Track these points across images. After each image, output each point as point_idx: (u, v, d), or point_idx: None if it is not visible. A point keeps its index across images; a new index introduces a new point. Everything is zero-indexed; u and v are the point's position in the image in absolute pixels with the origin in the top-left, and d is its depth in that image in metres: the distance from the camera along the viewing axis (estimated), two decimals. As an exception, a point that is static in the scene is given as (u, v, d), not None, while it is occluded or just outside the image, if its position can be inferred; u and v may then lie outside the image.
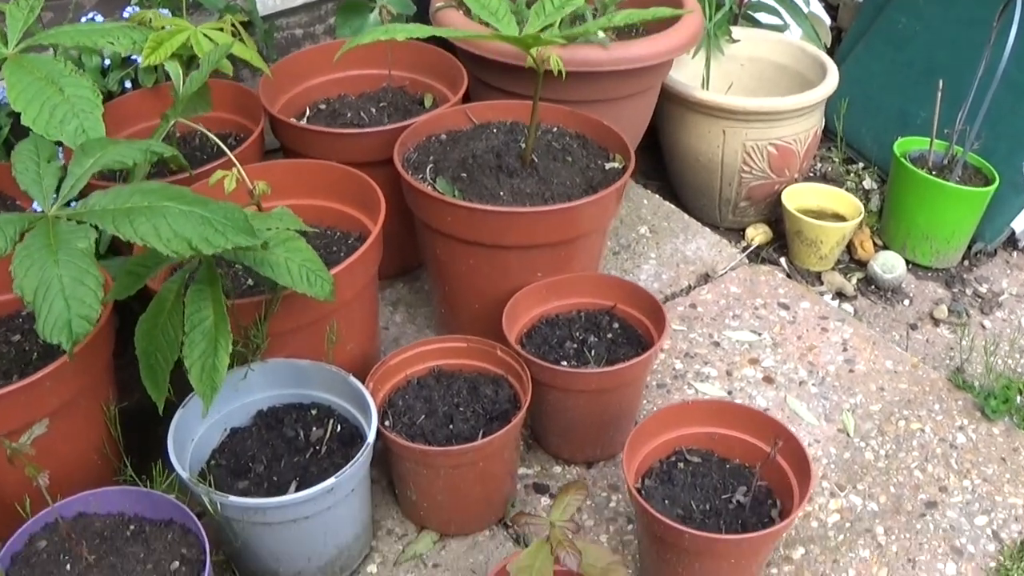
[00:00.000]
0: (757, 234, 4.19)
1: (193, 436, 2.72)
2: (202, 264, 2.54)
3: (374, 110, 3.64)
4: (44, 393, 2.51)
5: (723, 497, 2.66)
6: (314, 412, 2.85)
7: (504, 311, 2.97)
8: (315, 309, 2.75)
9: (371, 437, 2.59)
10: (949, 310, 3.97)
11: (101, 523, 2.49)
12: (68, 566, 2.39)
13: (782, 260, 4.17)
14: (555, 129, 3.40)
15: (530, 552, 2.24)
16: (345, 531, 2.68)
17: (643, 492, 2.60)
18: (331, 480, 2.49)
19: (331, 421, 2.80)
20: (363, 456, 2.55)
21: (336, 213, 3.17)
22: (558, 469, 3.09)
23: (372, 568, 2.82)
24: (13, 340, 2.86)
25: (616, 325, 3.10)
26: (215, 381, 2.43)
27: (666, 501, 2.62)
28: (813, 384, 3.39)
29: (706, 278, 3.84)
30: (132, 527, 2.49)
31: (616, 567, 2.28)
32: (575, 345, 3.02)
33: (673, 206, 4.21)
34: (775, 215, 4.26)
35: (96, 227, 2.31)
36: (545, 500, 2.99)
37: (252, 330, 2.70)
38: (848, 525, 2.95)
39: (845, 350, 3.53)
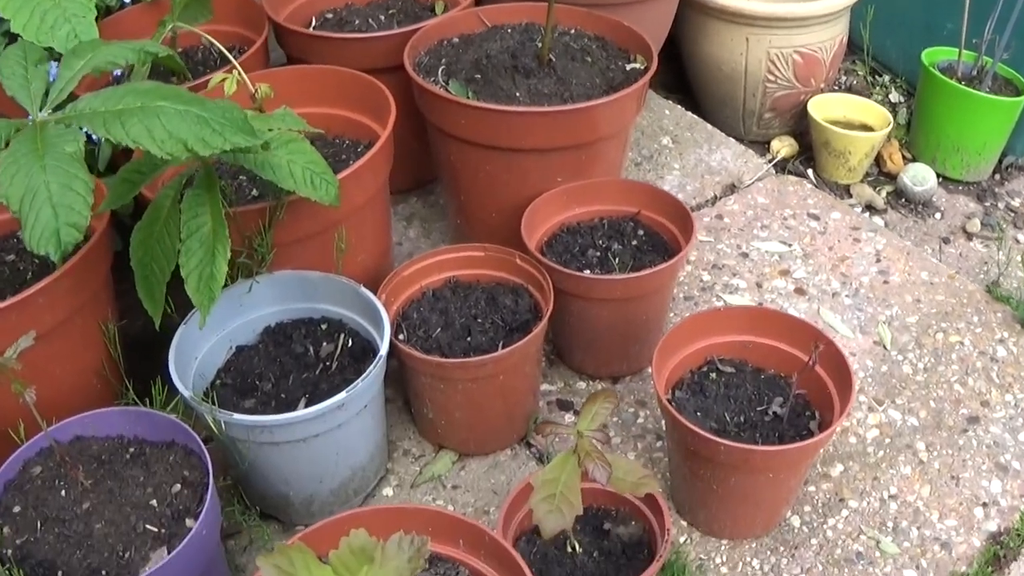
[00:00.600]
0: (783, 147, 3.98)
1: (197, 354, 2.53)
2: (200, 169, 2.34)
3: (383, 17, 3.43)
4: (37, 310, 2.32)
5: (758, 409, 2.47)
6: (324, 327, 2.65)
7: (523, 218, 2.77)
8: (322, 217, 2.55)
9: (384, 350, 2.40)
10: (982, 224, 3.76)
11: (99, 446, 2.31)
12: (64, 492, 2.22)
13: (809, 172, 3.96)
14: (572, 31, 3.19)
15: (556, 464, 2.05)
16: (358, 451, 2.49)
17: (674, 404, 2.41)
18: (342, 395, 2.30)
19: (342, 336, 2.60)
20: (375, 370, 2.36)
21: (344, 120, 2.97)
22: (582, 385, 2.90)
23: (388, 491, 2.64)
24: (7, 260, 2.67)
25: (641, 232, 2.89)
26: (213, 290, 2.24)
27: (698, 413, 2.44)
28: (847, 296, 3.19)
29: (732, 189, 3.63)
30: (132, 450, 2.31)
31: (648, 481, 2.09)
32: (598, 253, 2.81)
33: (696, 117, 4.00)
34: (801, 128, 4.05)
35: (87, 132, 2.20)
36: (569, 417, 2.80)
37: (256, 240, 2.50)
38: (888, 441, 2.76)
39: (878, 261, 3.32)
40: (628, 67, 3.04)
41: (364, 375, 2.34)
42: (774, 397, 2.48)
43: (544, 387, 2.87)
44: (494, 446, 2.70)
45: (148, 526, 2.14)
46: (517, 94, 2.84)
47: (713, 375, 2.54)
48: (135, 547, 2.11)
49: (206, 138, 2.09)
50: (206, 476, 2.19)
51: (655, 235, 2.89)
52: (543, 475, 2.03)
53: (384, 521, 2.01)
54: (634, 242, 2.87)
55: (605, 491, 2.36)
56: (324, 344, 2.61)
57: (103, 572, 2.08)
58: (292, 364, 2.58)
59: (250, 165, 2.33)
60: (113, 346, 2.54)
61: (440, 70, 3.00)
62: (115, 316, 2.58)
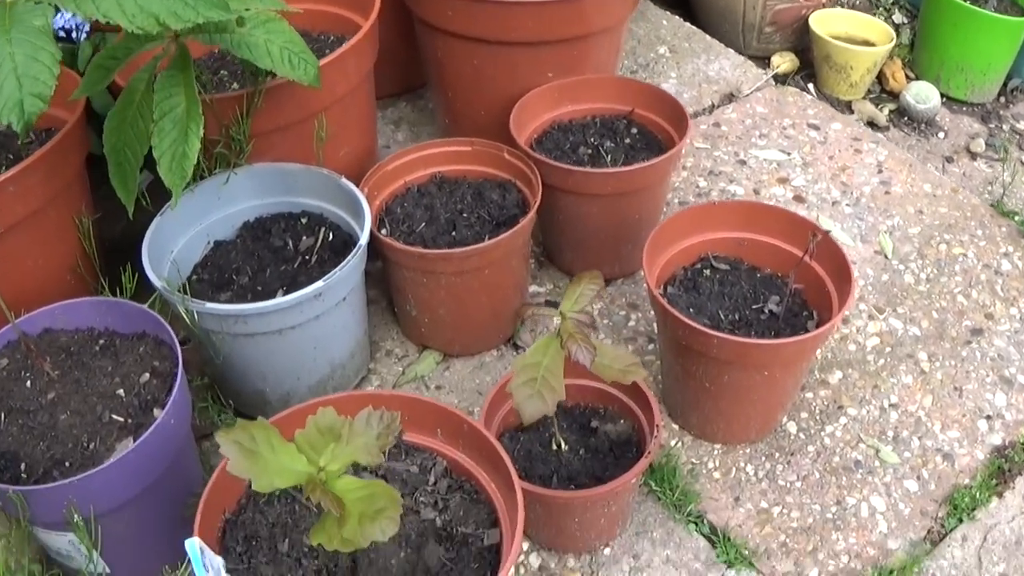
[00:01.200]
0: (783, 62, 3.83)
1: (172, 248, 2.41)
2: (175, 50, 2.20)
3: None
4: (7, 199, 2.21)
5: (754, 307, 2.35)
6: (304, 221, 2.53)
7: (512, 114, 2.64)
8: (303, 104, 2.42)
9: (364, 239, 2.28)
10: (986, 144, 3.61)
11: (68, 338, 2.19)
12: (29, 383, 2.10)
13: (810, 87, 3.80)
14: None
15: (537, 347, 1.92)
16: (338, 346, 2.36)
17: (666, 299, 2.26)
18: (319, 283, 2.18)
19: (322, 229, 2.48)
20: (355, 259, 2.23)
21: (329, 16, 2.83)
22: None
23: (369, 390, 2.50)
24: (-21, 154, 2.53)
25: (634, 131, 2.76)
26: (185, 169, 2.11)
27: (691, 310, 2.32)
28: (847, 205, 3.06)
29: (730, 98, 3.50)
30: (102, 341, 2.19)
31: (635, 368, 1.96)
32: (589, 151, 2.69)
33: (694, 27, 3.86)
34: (802, 44, 3.90)
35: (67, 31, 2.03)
36: (558, 319, 2.66)
37: (234, 128, 2.37)
38: (889, 350, 2.64)
39: (880, 172, 3.19)
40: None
41: (343, 264, 2.21)
42: (770, 295, 2.35)
43: (533, 288, 2.75)
44: (479, 346, 2.57)
45: (114, 416, 2.02)
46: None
47: (707, 272, 2.41)
48: (100, 437, 1.99)
49: (178, 11, 1.94)
50: (175, 366, 2.06)
51: (649, 134, 2.75)
52: (524, 359, 1.91)
53: (358, 407, 1.87)
54: (627, 140, 2.73)
55: (593, 388, 2.25)
56: (304, 238, 2.48)
57: (67, 463, 1.96)
58: (270, 258, 2.46)
59: (226, 45, 2.21)
60: (88, 241, 2.42)
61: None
62: (90, 211, 2.45)
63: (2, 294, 2.21)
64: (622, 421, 2.22)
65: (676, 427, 2.44)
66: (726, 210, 2.42)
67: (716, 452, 2.39)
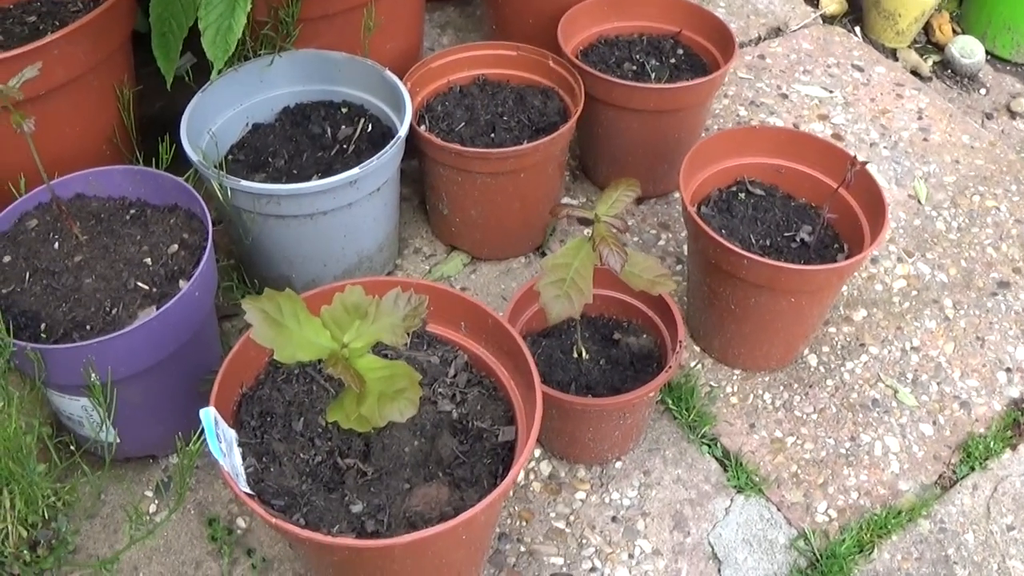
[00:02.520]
0: (832, 3, 3.71)
1: (211, 127, 2.34)
2: (226, -77, 2.12)
3: None
4: (51, 61, 2.13)
5: (786, 235, 2.26)
6: (344, 110, 2.45)
7: (560, 23, 2.54)
8: (351, -9, 2.33)
9: (403, 131, 2.20)
10: (1027, 104, 3.50)
11: (99, 204, 2.13)
12: (57, 245, 2.04)
13: (856, 31, 3.68)
14: None
15: (568, 248, 1.84)
16: (367, 237, 2.29)
17: (700, 218, 2.17)
18: (355, 170, 2.11)
19: (362, 120, 2.41)
20: (392, 150, 2.16)
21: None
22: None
23: (398, 276, 2.44)
24: (28, 21, 2.45)
25: (680, 52, 2.67)
26: (228, 42, 2.04)
27: (723, 232, 2.23)
28: (885, 147, 2.96)
29: (777, 32, 3.39)
30: (133, 211, 2.13)
31: (664, 280, 1.88)
32: (634, 67, 2.60)
33: (745, -39, 3.73)
34: (851, -12, 3.78)
35: None
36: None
37: (283, 11, 2.28)
38: (915, 293, 2.55)
39: (920, 119, 3.09)
40: None
41: (380, 153, 2.14)
42: (802, 225, 2.27)
43: (566, 200, 2.68)
44: (508, 252, 2.50)
45: (139, 283, 1.96)
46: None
47: (742, 195, 2.33)
48: (123, 303, 1.93)
49: None
50: (205, 240, 1.99)
51: (695, 56, 2.66)
52: (554, 258, 1.83)
53: (385, 290, 1.82)
54: (672, 60, 2.65)
55: (619, 300, 2.18)
56: (343, 127, 2.41)
57: (87, 326, 1.89)
58: (308, 144, 2.38)
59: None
60: (127, 113, 2.35)
61: None
62: (131, 83, 2.37)
63: (44, 158, 2.14)
64: (645, 336, 2.15)
65: (698, 349, 2.37)
66: (766, 135, 2.34)
67: (735, 377, 2.32)
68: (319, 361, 1.80)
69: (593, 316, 2.19)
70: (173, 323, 1.90)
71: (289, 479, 1.68)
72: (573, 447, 2.10)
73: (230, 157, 2.37)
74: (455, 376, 1.84)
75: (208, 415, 1.64)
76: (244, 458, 1.70)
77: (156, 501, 2.09)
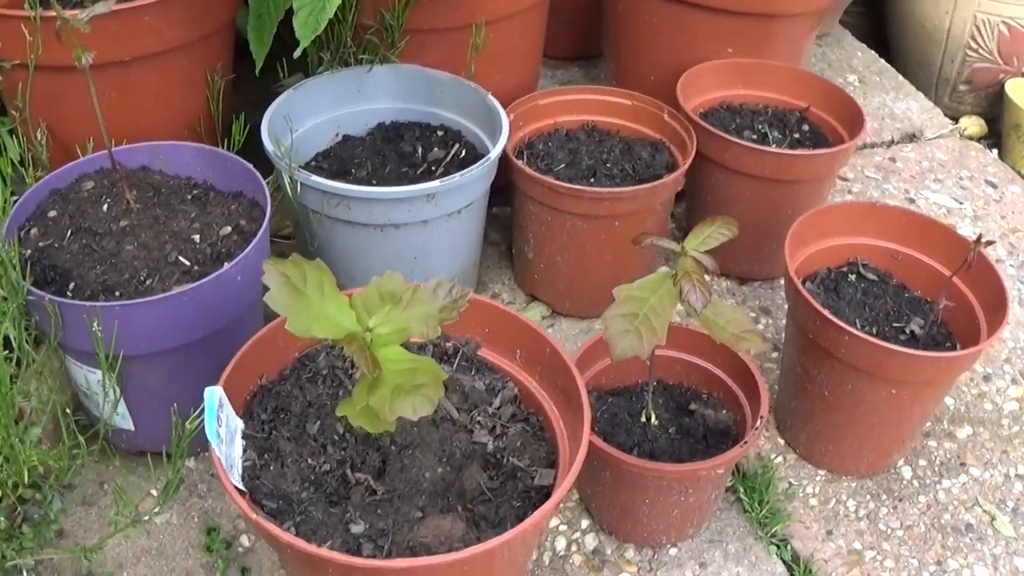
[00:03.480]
0: (971, 124, 3.41)
1: (297, 127, 2.12)
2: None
3: None
4: (140, 28, 1.94)
5: (894, 325, 1.97)
6: (440, 134, 2.23)
7: (681, 78, 2.30)
8: (468, 6, 2.11)
9: (494, 153, 1.97)
10: None
11: (162, 179, 1.94)
12: (105, 207, 1.81)
13: (993, 152, 3.38)
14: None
15: (648, 282, 1.57)
16: (440, 264, 2.05)
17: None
18: (434, 183, 1.87)
19: (457, 145, 2.16)
20: (478, 169, 1.92)
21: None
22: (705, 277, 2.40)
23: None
24: None
25: (806, 127, 2.41)
26: (319, 21, 1.84)
27: (827, 311, 1.91)
28: (1011, 266, 2.65)
29: (911, 138, 3.11)
30: (196, 192, 1.92)
31: (751, 337, 1.60)
32: (755, 136, 2.33)
33: (887, 64, 3.46)
34: (993, 113, 3.48)
35: None
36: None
37: (389, 16, 2.06)
38: (1025, 419, 2.21)
39: (1052, 245, 2.77)
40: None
41: (465, 171, 1.90)
42: (914, 317, 1.98)
43: (663, 270, 2.38)
44: (590, 310, 2.23)
45: (181, 258, 1.73)
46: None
47: (852, 277, 2.04)
48: (160, 275, 1.70)
49: None
50: (260, 227, 1.76)
51: (821, 135, 2.39)
52: (629, 289, 1.56)
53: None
54: (796, 135, 2.38)
55: (700, 368, 1.90)
56: (435, 149, 2.18)
57: (117, 292, 1.67)
58: (395, 160, 2.17)
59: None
60: (215, 103, 2.14)
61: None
62: (225, 72, 2.16)
63: (113, 127, 1.94)
64: (725, 411, 1.86)
65: (782, 443, 2.07)
66: (885, 214, 2.06)
67: (819, 478, 2.01)
68: (352, 365, 1.56)
69: (670, 383, 1.92)
70: (207, 304, 1.67)
71: (289, 483, 1.42)
72: (625, 521, 1.81)
73: (313, 163, 2.17)
74: (499, 407, 1.57)
75: (213, 395, 1.39)
76: (245, 451, 1.44)
77: (161, 503, 1.83)
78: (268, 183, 1.87)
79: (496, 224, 2.40)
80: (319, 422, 1.51)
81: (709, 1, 2.31)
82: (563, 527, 1.88)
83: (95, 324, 1.56)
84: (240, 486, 1.39)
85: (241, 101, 2.20)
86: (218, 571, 1.73)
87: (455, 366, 1.62)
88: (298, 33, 1.83)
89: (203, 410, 1.38)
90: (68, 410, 1.67)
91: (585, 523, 1.88)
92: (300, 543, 1.25)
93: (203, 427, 1.37)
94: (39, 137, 2.00)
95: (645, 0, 2.39)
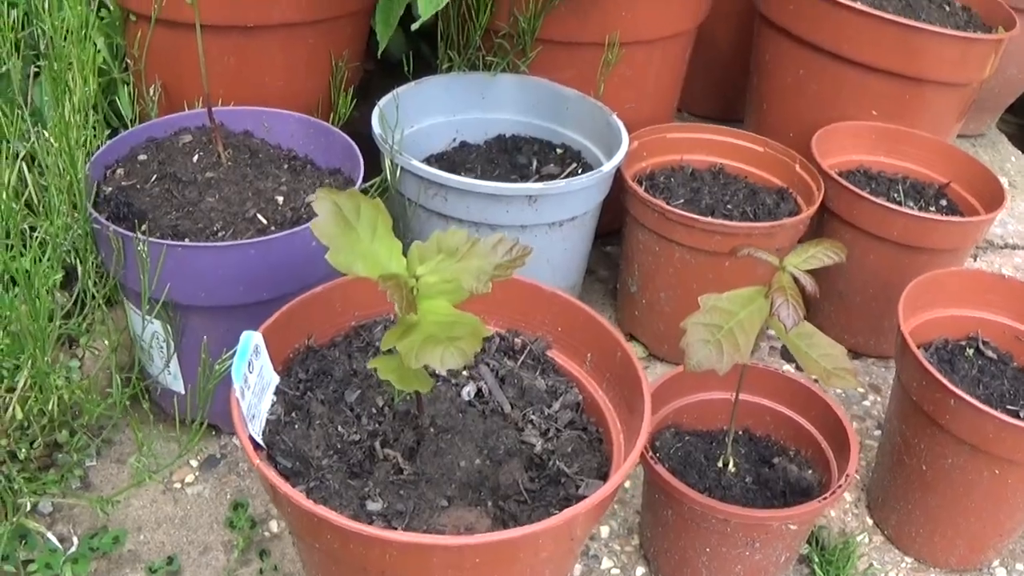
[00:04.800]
0: None
1: (413, 124, 1.99)
2: None
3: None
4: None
5: (1008, 407, 1.74)
6: (559, 151, 2.07)
7: (817, 134, 2.12)
8: (605, 22, 1.97)
9: (607, 167, 1.81)
10: None
11: (261, 145, 1.81)
12: (196, 158, 1.68)
13: None
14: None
15: (738, 295, 1.39)
16: (535, 276, 1.86)
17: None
18: (537, 184, 1.71)
19: (575, 165, 2.01)
20: (586, 179, 1.76)
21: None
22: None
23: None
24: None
25: (943, 202, 2.19)
26: (441, -1, 1.68)
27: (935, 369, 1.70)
28: None
29: (1055, 247, 2.84)
30: (293, 163, 1.79)
31: (845, 375, 1.40)
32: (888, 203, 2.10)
33: (1043, 182, 3.21)
34: None
35: None
36: (789, 367, 2.10)
37: (524, 21, 1.93)
38: None
39: None
40: (987, 33, 2.30)
41: (572, 178, 1.74)
42: (1032, 406, 1.74)
43: (771, 331, 2.19)
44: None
45: (260, 216, 1.60)
46: (857, 2, 2.16)
47: (970, 352, 1.82)
48: (235, 229, 1.58)
49: None
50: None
51: (958, 212, 2.18)
52: (717, 300, 1.38)
53: (516, 289, 1.42)
54: (932, 208, 2.15)
55: (791, 422, 1.70)
56: (550, 165, 2.02)
57: (186, 238, 1.53)
58: (507, 168, 2.03)
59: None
60: (336, 89, 2.02)
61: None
62: (352, 59, 2.05)
63: (228, 95, 1.85)
64: (810, 470, 1.66)
65: (870, 522, 1.84)
66: (1015, 290, 1.84)
67: (904, 565, 1.78)
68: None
69: (756, 433, 1.72)
70: (276, 262, 1.53)
71: (312, 446, 1.26)
72: (682, 572, 1.60)
73: (423, 161, 2.01)
74: (558, 411, 1.39)
75: (249, 339, 1.25)
76: (273, 406, 1.29)
77: (197, 473, 1.68)
78: (373, 185, 1.74)
79: (607, 261, 2.24)
80: (359, 392, 1.35)
81: (860, 57, 2.12)
82: (615, 571, 1.68)
83: (144, 255, 1.43)
84: (258, 438, 1.23)
85: (366, 103, 2.08)
86: (237, 549, 1.57)
87: (520, 362, 1.45)
88: (420, 8, 1.70)
89: (235, 353, 1.24)
90: (113, 357, 1.54)
91: (640, 571, 1.68)
92: (298, 497, 1.08)
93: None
94: (151, 93, 1.91)
95: (795, 49, 2.21)
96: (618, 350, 1.37)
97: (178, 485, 1.68)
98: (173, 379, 1.66)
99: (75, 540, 1.56)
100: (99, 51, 1.86)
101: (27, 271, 1.36)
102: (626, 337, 1.99)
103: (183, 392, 1.68)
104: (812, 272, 1.38)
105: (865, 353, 2.18)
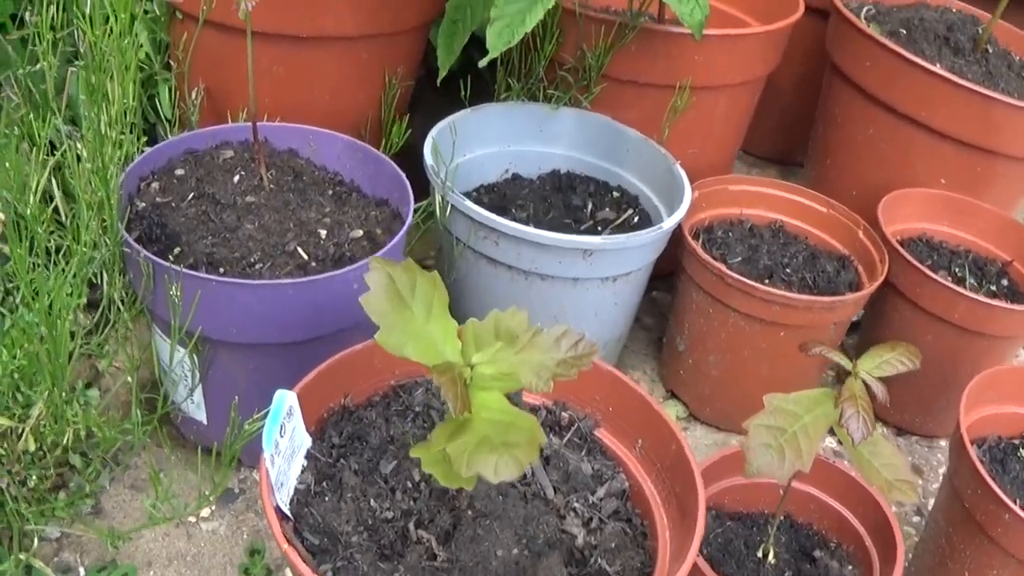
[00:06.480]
0: None
1: (466, 153, 1.91)
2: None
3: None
4: (323, 7, 1.76)
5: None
6: (616, 194, 1.98)
7: (885, 200, 2.01)
8: (676, 65, 1.89)
9: (668, 223, 1.72)
10: None
11: (306, 166, 1.72)
12: (238, 179, 1.60)
13: None
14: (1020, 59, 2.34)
15: (805, 397, 1.30)
16: (583, 329, 1.75)
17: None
18: (595, 238, 1.63)
19: (631, 211, 1.92)
20: (645, 236, 1.67)
21: (721, 15, 2.28)
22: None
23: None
24: None
25: (1005, 282, 2.09)
26: (514, 34, 1.63)
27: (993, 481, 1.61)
28: None
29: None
30: (339, 189, 1.70)
31: (906, 488, 1.31)
32: (950, 278, 2.01)
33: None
34: None
35: None
36: (833, 442, 2.01)
37: (591, 56, 1.84)
38: None
39: None
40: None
41: (631, 233, 1.65)
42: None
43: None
44: (732, 422, 1.96)
45: (300, 250, 1.52)
46: (936, 65, 2.06)
47: (1023, 452, 1.71)
48: (273, 262, 1.49)
49: None
50: (392, 239, 1.53)
51: (1020, 293, 2.07)
52: (781, 400, 1.29)
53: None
54: (993, 287, 2.07)
55: (836, 514, 1.62)
56: (606, 209, 1.93)
57: (221, 268, 1.44)
58: (561, 210, 1.93)
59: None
60: (387, 108, 1.92)
61: (863, 12, 2.25)
62: (405, 78, 1.96)
63: (274, 107, 1.76)
64: (850, 567, 1.56)
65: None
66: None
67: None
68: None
69: (799, 521, 1.63)
70: (314, 304, 1.45)
71: (342, 520, 1.17)
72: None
73: (474, 194, 1.95)
74: (602, 499, 1.30)
75: (283, 399, 1.16)
76: (303, 472, 1.20)
77: (213, 507, 1.60)
78: (419, 209, 1.65)
79: (653, 309, 2.14)
80: (396, 462, 1.26)
81: (935, 122, 2.03)
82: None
83: (175, 289, 1.34)
84: (285, 509, 1.15)
85: (416, 119, 1.98)
86: (248, 598, 1.49)
87: (565, 440, 1.36)
88: (489, 42, 1.62)
89: (268, 413, 1.15)
90: (135, 380, 1.46)
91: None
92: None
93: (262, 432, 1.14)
94: (193, 97, 1.83)
95: (867, 106, 2.11)
96: (673, 443, 1.28)
97: (192, 520, 1.59)
98: (196, 408, 1.58)
99: (81, 572, 1.48)
100: (141, 46, 1.77)
101: (49, 292, 1.28)
102: (667, 393, 1.92)
103: (205, 422, 1.60)
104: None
105: (910, 431, 2.08)
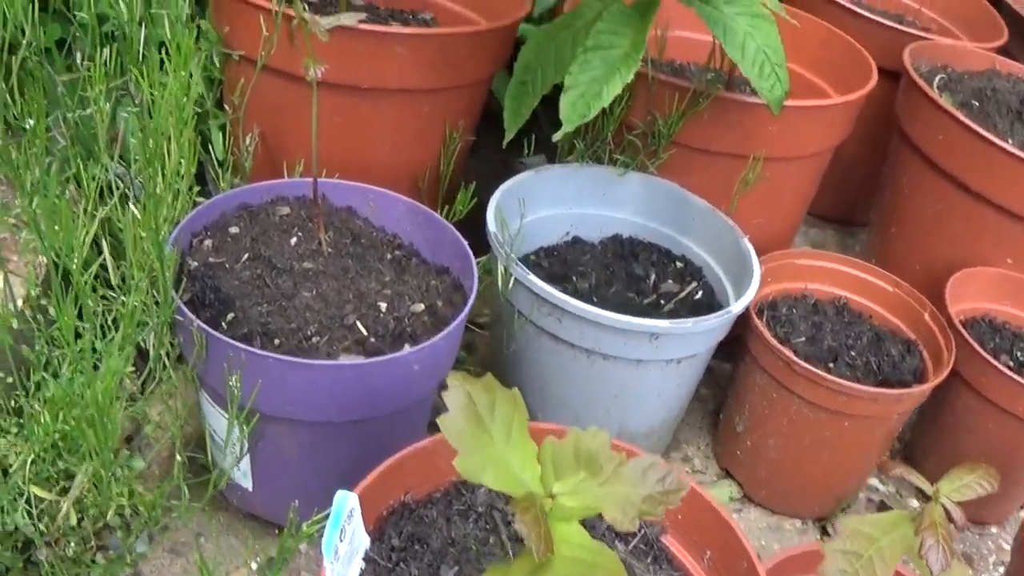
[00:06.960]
0: None
1: (528, 215, 1.83)
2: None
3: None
4: (387, 57, 1.70)
5: None
6: (679, 265, 1.91)
7: (953, 278, 1.94)
8: (750, 136, 1.82)
9: (737, 307, 1.66)
10: None
11: (365, 228, 1.66)
12: (294, 241, 1.56)
13: None
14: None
15: (882, 519, 1.25)
16: (640, 412, 1.76)
17: None
18: (664, 323, 1.57)
19: (695, 284, 1.86)
20: (716, 320, 1.62)
21: (796, 78, 2.18)
22: (914, 503, 2.03)
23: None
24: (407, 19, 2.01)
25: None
26: (591, 108, 1.56)
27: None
28: None
29: None
30: (398, 253, 1.64)
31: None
32: (1011, 363, 1.94)
33: None
34: None
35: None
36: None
37: (661, 122, 1.77)
38: None
39: None
40: None
41: (701, 318, 1.59)
42: None
43: (871, 481, 2.03)
44: (787, 506, 1.89)
45: (359, 324, 1.46)
46: (1010, 140, 2.00)
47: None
48: (330, 336, 1.43)
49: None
50: (456, 316, 1.47)
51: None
52: (858, 523, 1.24)
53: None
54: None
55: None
56: (669, 281, 1.87)
57: (276, 340, 1.40)
58: (623, 281, 1.87)
59: (702, 13, 1.65)
60: (447, 162, 1.86)
61: (935, 81, 2.18)
62: (466, 133, 1.90)
63: (328, 156, 1.69)
64: None
65: None
66: None
67: None
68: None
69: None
70: (372, 386, 1.40)
71: (400, 634, 1.11)
72: None
73: (533, 258, 1.89)
74: (666, 613, 1.24)
75: (344, 502, 1.11)
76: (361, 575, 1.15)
77: (255, 577, 1.55)
78: (479, 264, 1.59)
79: (709, 379, 2.07)
80: (457, 568, 1.20)
81: (1006, 202, 1.96)
82: None
83: (234, 377, 1.28)
84: (342, 623, 1.09)
85: (474, 170, 1.93)
86: None
87: (631, 546, 1.30)
88: (562, 114, 1.55)
89: (327, 515, 1.10)
90: (180, 444, 1.40)
91: None
92: None
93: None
94: (247, 142, 1.77)
95: (935, 181, 2.04)
96: (745, 560, 1.22)
97: (228, 588, 1.54)
98: (242, 476, 1.53)
99: (114, 642, 1.43)
100: (196, 83, 1.71)
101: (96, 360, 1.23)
102: (721, 472, 1.86)
103: (251, 489, 1.54)
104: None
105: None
